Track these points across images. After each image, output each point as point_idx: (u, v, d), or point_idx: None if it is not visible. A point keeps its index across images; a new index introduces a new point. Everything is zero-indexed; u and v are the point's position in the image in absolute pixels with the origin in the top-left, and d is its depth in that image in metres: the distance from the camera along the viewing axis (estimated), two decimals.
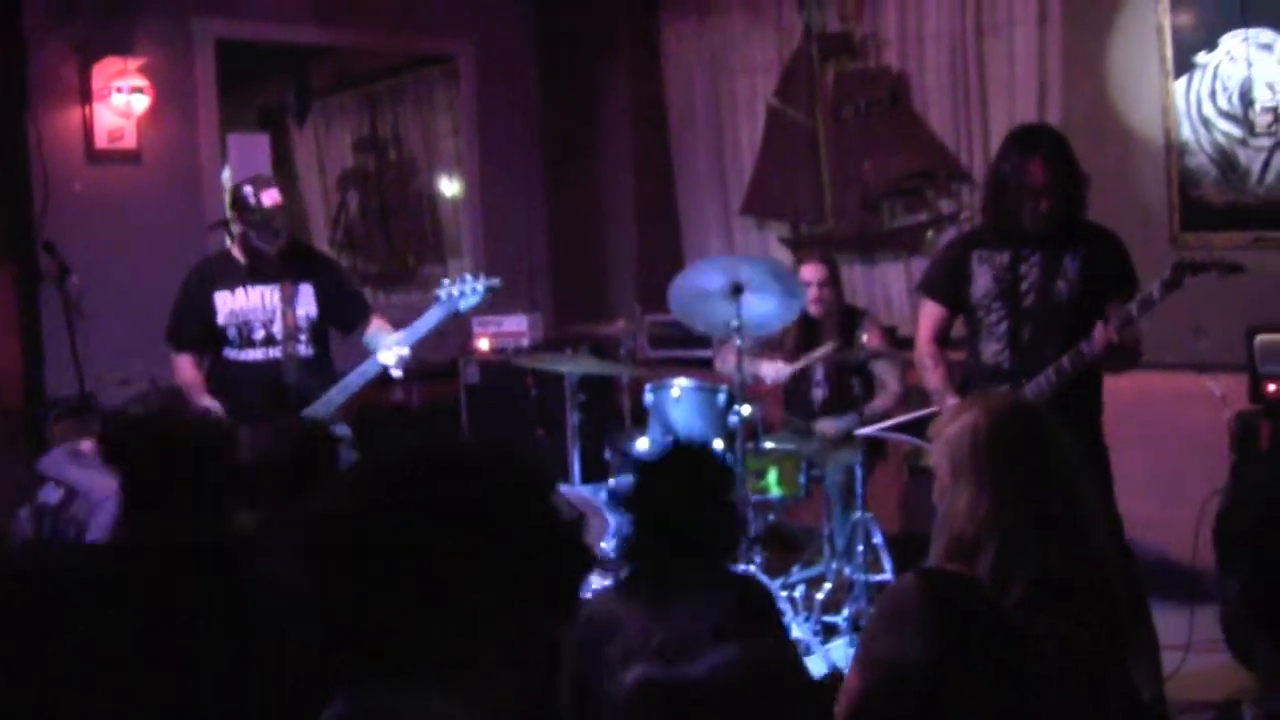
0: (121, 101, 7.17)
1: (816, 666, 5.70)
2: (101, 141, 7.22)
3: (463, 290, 5.63)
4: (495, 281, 5.70)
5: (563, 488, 6.42)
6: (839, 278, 6.73)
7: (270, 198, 5.61)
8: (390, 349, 5.59)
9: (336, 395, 5.61)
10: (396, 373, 5.65)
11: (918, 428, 5.17)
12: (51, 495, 5.37)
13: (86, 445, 4.87)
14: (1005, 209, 4.84)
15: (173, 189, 7.51)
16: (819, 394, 6.70)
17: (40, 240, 6.81)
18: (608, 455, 6.86)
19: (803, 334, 6.66)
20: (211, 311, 5.65)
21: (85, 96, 7.16)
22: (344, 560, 1.66)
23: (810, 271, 6.60)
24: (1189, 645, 5.23)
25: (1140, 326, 4.67)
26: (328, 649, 1.70)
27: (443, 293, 5.65)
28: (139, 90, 7.19)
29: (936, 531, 2.94)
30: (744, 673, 2.15)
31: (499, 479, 1.74)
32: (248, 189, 5.64)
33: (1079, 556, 2.86)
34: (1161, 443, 6.26)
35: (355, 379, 5.64)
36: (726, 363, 6.53)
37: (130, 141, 7.32)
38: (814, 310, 6.57)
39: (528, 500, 1.76)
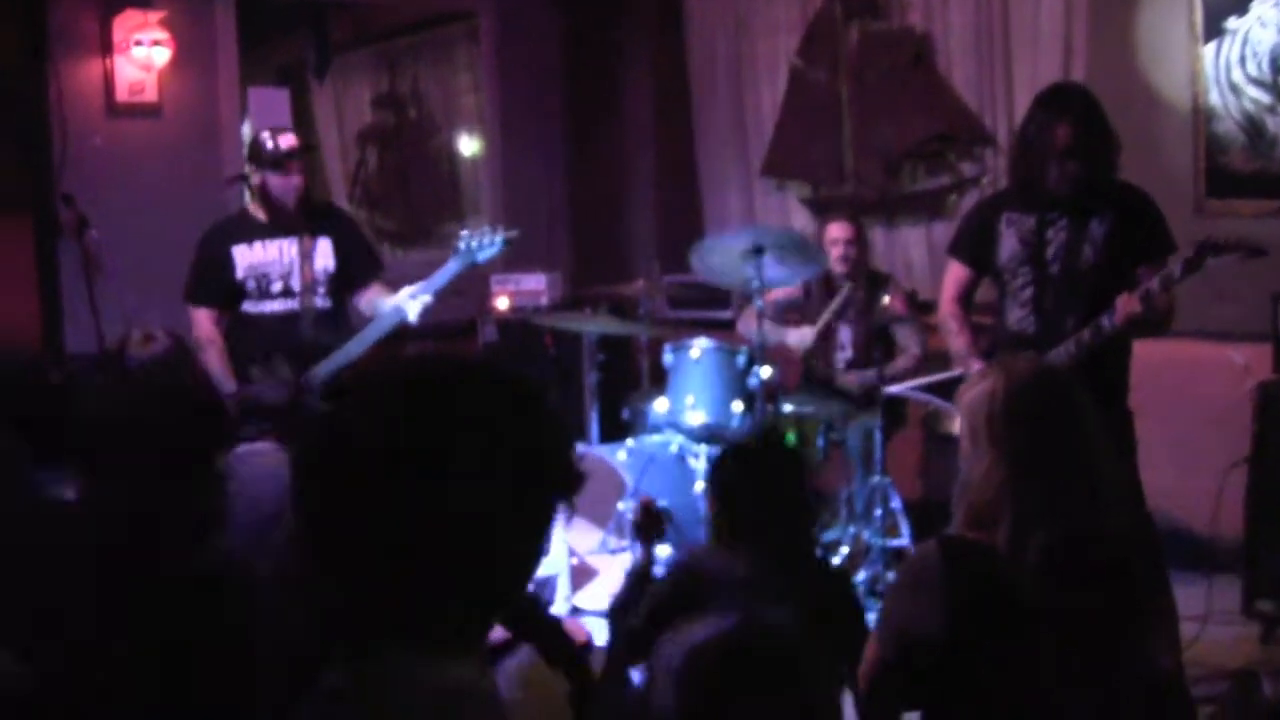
0: (142, 54, 7.15)
1: None
2: (122, 94, 7.20)
3: (481, 242, 5.61)
4: (513, 233, 5.67)
5: (580, 447, 6.44)
6: (866, 239, 6.73)
7: (286, 141, 5.62)
8: (416, 299, 5.58)
9: (354, 347, 5.59)
10: (415, 319, 5.62)
11: (941, 390, 5.16)
12: None
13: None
14: (1031, 171, 4.79)
15: (193, 142, 7.49)
16: (843, 356, 6.70)
17: (59, 193, 6.80)
18: (625, 415, 6.86)
19: (825, 295, 6.65)
20: (230, 265, 5.64)
21: (106, 49, 7.13)
22: (358, 491, 1.57)
23: (838, 229, 6.61)
24: (1207, 615, 5.23)
25: (1162, 303, 4.62)
26: (329, 608, 1.63)
27: (461, 244, 5.63)
28: (160, 43, 7.17)
29: (957, 498, 2.93)
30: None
31: (512, 389, 1.68)
32: (264, 134, 5.65)
33: (1095, 525, 2.85)
34: (1182, 412, 6.23)
35: (373, 331, 5.62)
36: (749, 326, 6.52)
37: (151, 95, 7.30)
38: (838, 268, 6.56)
39: (538, 411, 1.69)
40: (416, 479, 1.55)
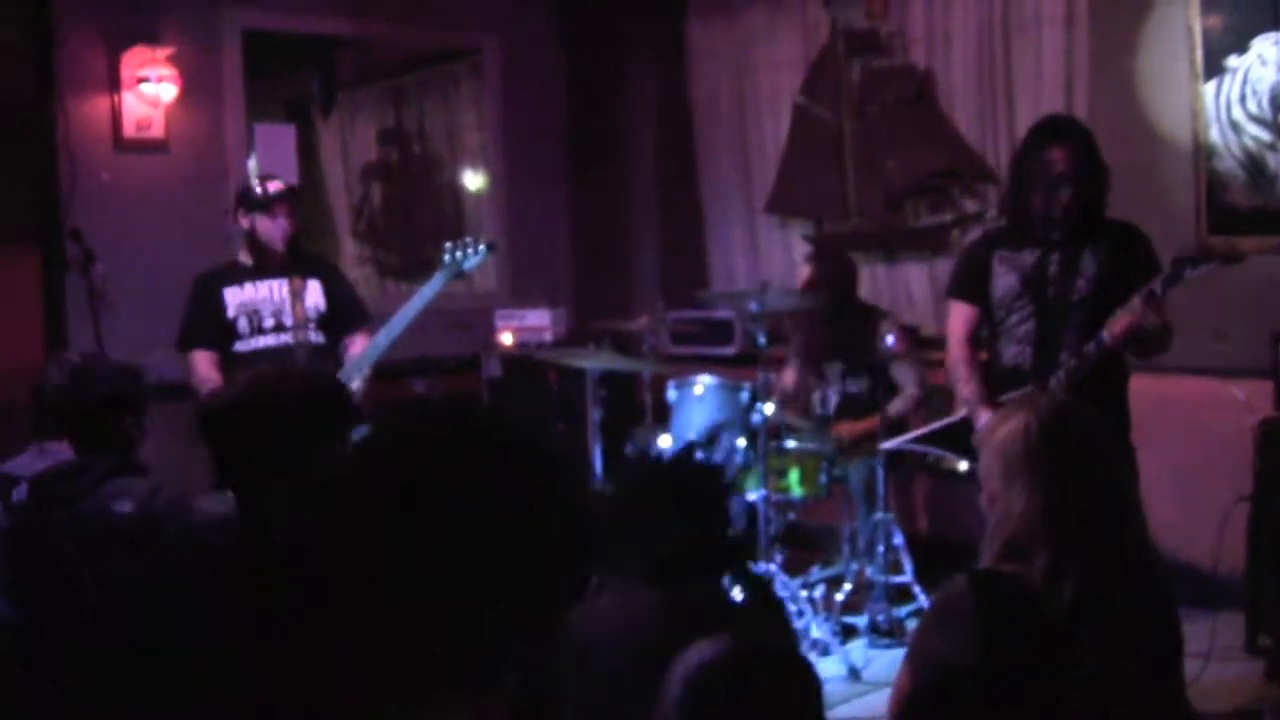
0: (150, 91, 7.21)
1: (835, 667, 5.70)
2: (129, 130, 7.25)
3: (465, 252, 5.74)
4: (493, 240, 5.85)
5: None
6: (838, 277, 6.74)
7: (274, 185, 5.76)
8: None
9: (367, 358, 5.67)
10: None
11: (943, 437, 5.17)
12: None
13: (53, 445, 4.74)
14: (1026, 200, 4.84)
15: (199, 178, 7.54)
16: (833, 397, 6.72)
17: (66, 228, 6.84)
18: (629, 451, 6.87)
19: (809, 334, 6.79)
20: (222, 305, 5.72)
21: (114, 85, 7.19)
22: (359, 547, 1.51)
23: (802, 274, 6.69)
24: (1210, 652, 5.22)
25: (1154, 319, 4.64)
26: (311, 657, 1.55)
27: (445, 256, 5.76)
28: (167, 80, 7.23)
29: (990, 535, 2.94)
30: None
31: (532, 457, 1.61)
32: (254, 181, 5.85)
33: (1131, 559, 2.88)
34: (1184, 448, 6.23)
35: (385, 338, 5.69)
36: (786, 384, 6.61)
37: (158, 131, 7.35)
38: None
39: (555, 477, 1.62)
40: (418, 536, 1.50)
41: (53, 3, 6.97)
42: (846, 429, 6.49)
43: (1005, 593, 2.81)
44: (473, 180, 9.45)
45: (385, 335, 5.71)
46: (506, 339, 8.22)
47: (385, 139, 9.71)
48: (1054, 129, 4.90)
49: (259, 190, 5.73)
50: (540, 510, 1.58)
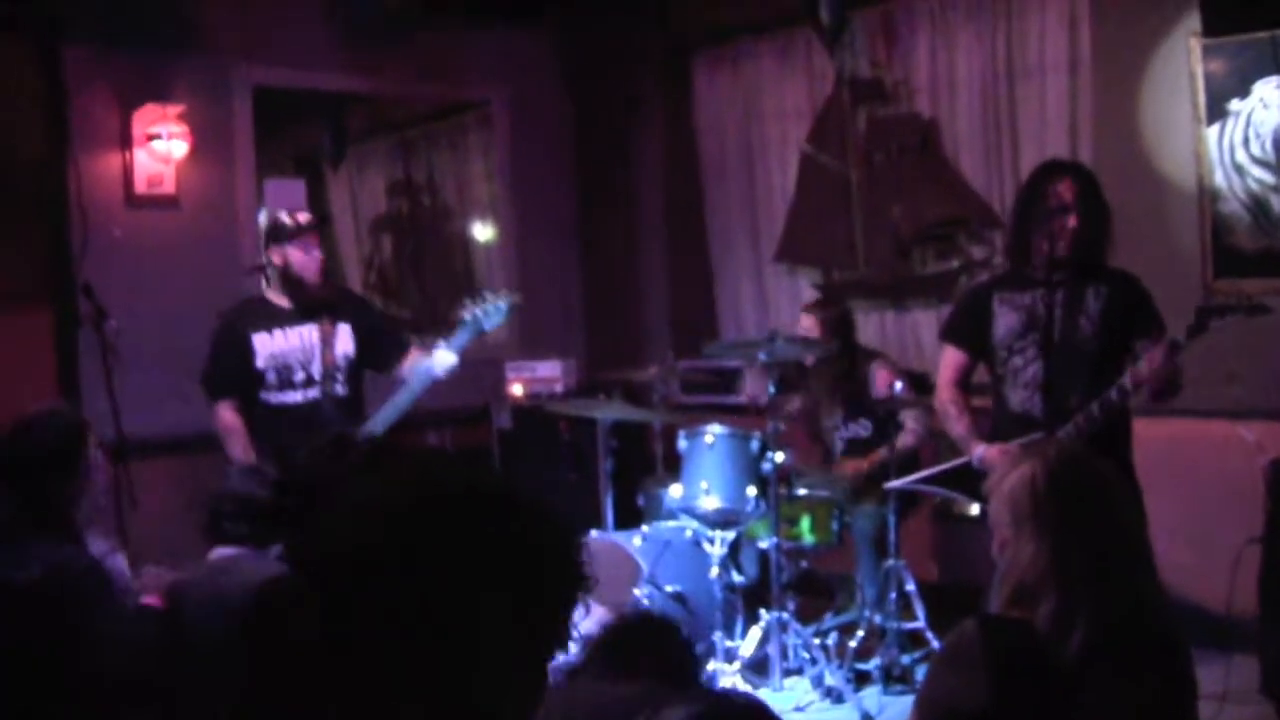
0: (161, 147, 7.25)
1: (849, 715, 5.70)
2: (141, 187, 7.29)
3: (486, 310, 5.71)
4: (516, 296, 5.79)
5: (594, 534, 6.45)
6: (839, 324, 6.78)
7: (304, 216, 5.75)
8: (441, 352, 5.67)
9: (389, 413, 5.65)
10: (442, 374, 5.68)
11: (952, 479, 5.19)
12: None
13: None
14: (1029, 238, 4.87)
15: (211, 234, 7.58)
16: (839, 443, 6.76)
17: (79, 284, 6.87)
18: (640, 501, 6.89)
19: (813, 381, 6.85)
20: (250, 354, 5.68)
21: (125, 142, 7.23)
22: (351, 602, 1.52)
23: (805, 322, 6.73)
24: (1225, 694, 5.21)
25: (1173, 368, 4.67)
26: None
27: (466, 315, 5.72)
28: (178, 136, 7.27)
29: (998, 581, 2.95)
30: None
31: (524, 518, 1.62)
32: (281, 214, 5.76)
33: (1139, 605, 2.88)
34: (1195, 490, 6.23)
35: (406, 396, 5.68)
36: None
37: (169, 187, 7.39)
38: (808, 360, 6.72)
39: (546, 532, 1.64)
40: (400, 592, 1.51)
41: (65, 61, 7.02)
42: (851, 466, 6.53)
43: (1013, 638, 2.82)
44: (482, 231, 9.49)
45: (406, 394, 5.69)
46: (517, 390, 8.24)
47: (395, 191, 9.76)
48: (1057, 164, 4.99)
49: (289, 221, 5.68)
50: (531, 572, 1.59)
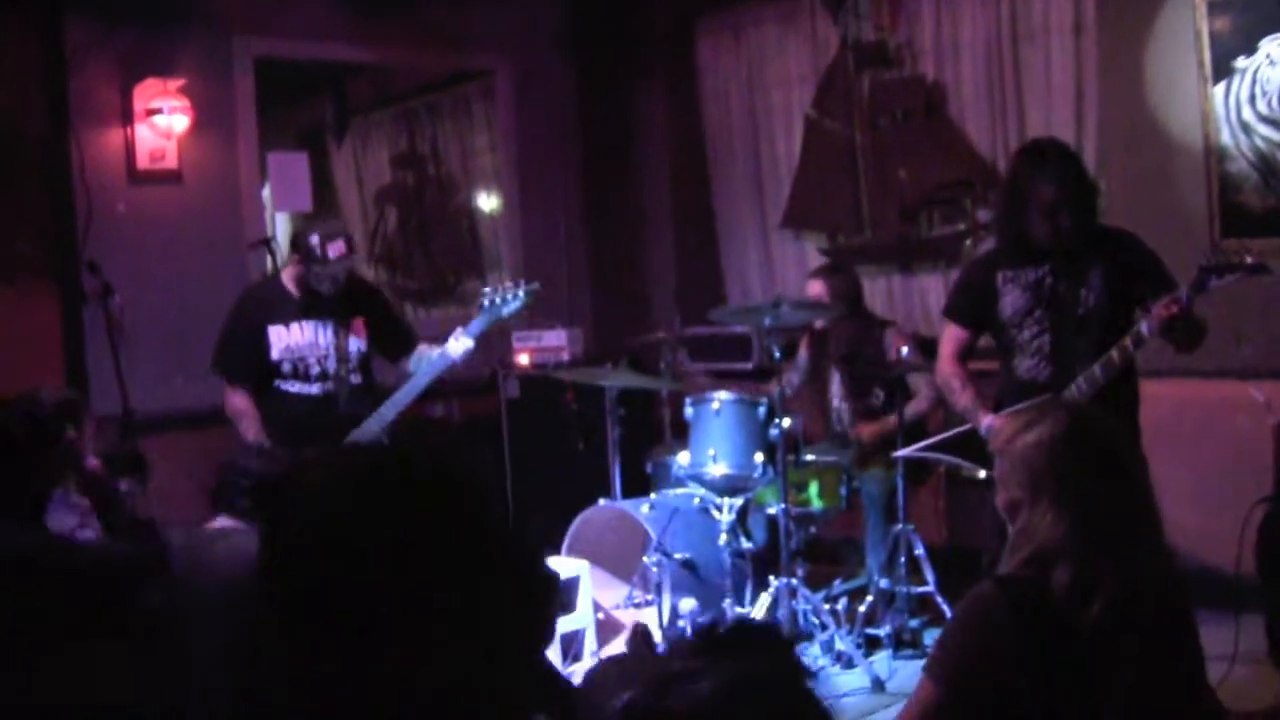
0: (163, 122, 7.23)
1: (859, 680, 5.70)
2: (143, 162, 7.27)
3: (505, 296, 5.71)
4: (536, 285, 5.78)
5: (603, 502, 6.46)
6: (849, 290, 6.76)
7: (336, 249, 5.59)
8: (458, 339, 5.67)
9: (403, 397, 5.66)
10: (459, 358, 5.69)
11: (959, 445, 5.20)
12: None
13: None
14: (1023, 223, 4.88)
15: (214, 208, 7.56)
16: (844, 409, 6.75)
17: (83, 260, 6.87)
18: (648, 469, 6.89)
19: (817, 346, 6.79)
20: (265, 346, 5.68)
21: (127, 117, 7.21)
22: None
23: (813, 287, 6.72)
24: (1234, 655, 5.20)
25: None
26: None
27: (485, 300, 5.74)
28: (179, 110, 7.24)
29: (1013, 546, 2.93)
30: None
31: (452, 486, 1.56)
32: (314, 239, 5.59)
33: (1155, 573, 2.88)
34: (1204, 451, 6.22)
35: (422, 379, 5.69)
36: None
37: (171, 161, 7.37)
38: (818, 324, 6.72)
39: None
40: (344, 592, 1.47)
41: (66, 35, 7.01)
42: (866, 431, 6.53)
43: (1035, 598, 2.81)
44: (487, 202, 9.48)
45: (422, 378, 5.69)
46: (524, 359, 8.23)
47: (399, 163, 9.76)
48: (1040, 158, 4.93)
49: (318, 251, 5.56)
50: (477, 555, 1.53)
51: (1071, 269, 4.86)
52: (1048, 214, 4.79)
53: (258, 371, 5.70)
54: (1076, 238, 4.82)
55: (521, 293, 5.74)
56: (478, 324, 5.73)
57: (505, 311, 5.76)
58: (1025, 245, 4.92)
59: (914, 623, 6.07)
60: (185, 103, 7.26)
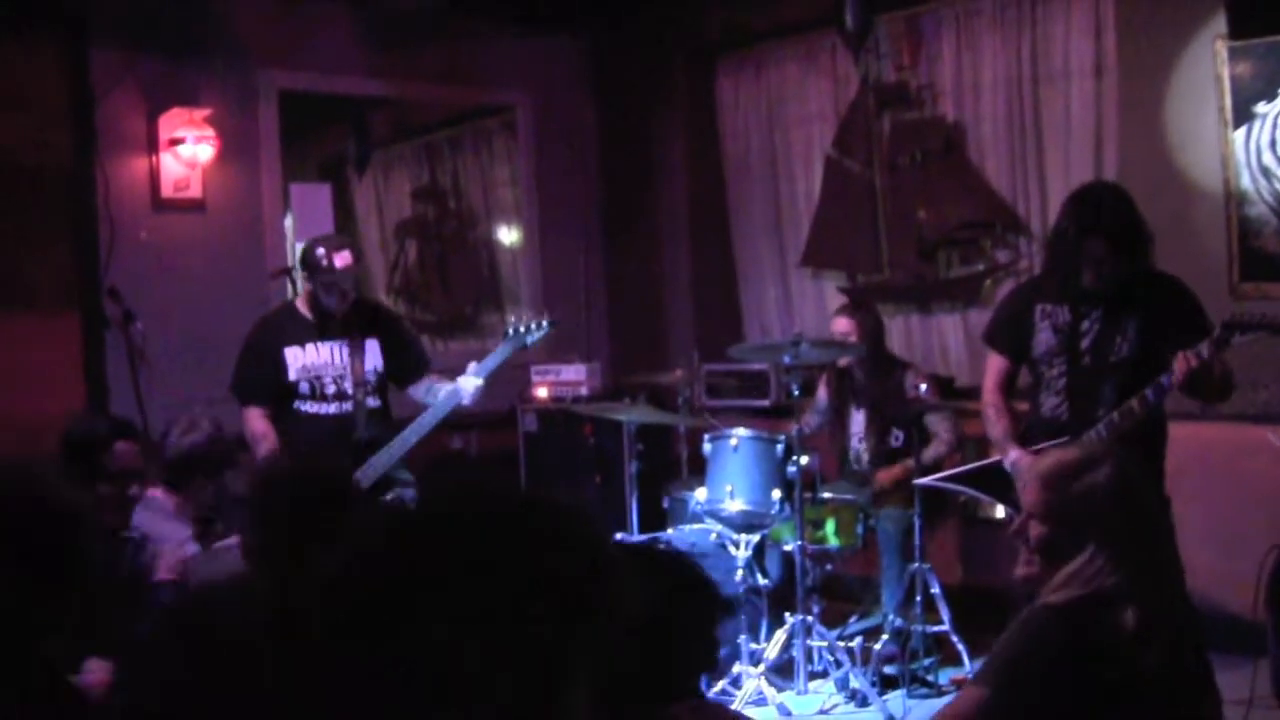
0: (187, 151, 7.28)
1: (873, 718, 5.69)
2: (167, 190, 7.33)
3: (528, 326, 5.76)
4: (557, 319, 5.82)
5: (620, 536, 6.46)
6: (874, 328, 6.77)
7: (342, 259, 5.63)
8: (469, 377, 5.68)
9: (411, 435, 5.66)
10: (469, 401, 5.70)
11: (975, 479, 5.19)
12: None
13: (152, 492, 4.95)
14: (1066, 270, 4.86)
15: (236, 237, 7.61)
16: (862, 449, 6.75)
17: (106, 287, 6.91)
18: (665, 504, 6.89)
19: (839, 384, 6.79)
20: (282, 366, 5.70)
21: (152, 146, 7.27)
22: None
23: (840, 325, 6.72)
24: (1251, 699, 5.18)
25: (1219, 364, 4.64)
26: None
27: (509, 329, 5.80)
28: (205, 140, 7.30)
29: (1058, 584, 2.94)
30: None
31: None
32: (320, 250, 5.64)
33: (1187, 611, 2.93)
34: (1222, 494, 6.21)
35: (431, 417, 5.70)
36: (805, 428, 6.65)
37: (195, 190, 7.42)
38: (843, 362, 6.71)
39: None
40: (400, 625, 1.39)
41: (92, 65, 7.07)
42: (885, 476, 6.53)
43: (1095, 631, 2.83)
44: (507, 236, 9.52)
45: (431, 416, 5.69)
46: (542, 393, 8.25)
47: (420, 196, 9.80)
48: (1092, 211, 4.81)
49: (325, 263, 5.61)
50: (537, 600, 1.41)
51: (1110, 314, 4.85)
52: (1096, 266, 4.77)
53: (275, 393, 5.72)
54: (1123, 283, 4.81)
55: (545, 324, 5.78)
56: (493, 359, 5.75)
57: (528, 341, 5.80)
58: (1068, 283, 4.90)
59: (929, 661, 6.06)
60: (210, 133, 7.31)
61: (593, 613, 1.44)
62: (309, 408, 5.71)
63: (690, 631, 2.43)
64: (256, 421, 5.71)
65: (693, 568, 2.55)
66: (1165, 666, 2.79)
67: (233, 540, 4.01)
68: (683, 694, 2.41)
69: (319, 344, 5.72)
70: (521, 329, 5.76)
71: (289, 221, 8.04)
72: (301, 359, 5.71)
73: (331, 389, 5.71)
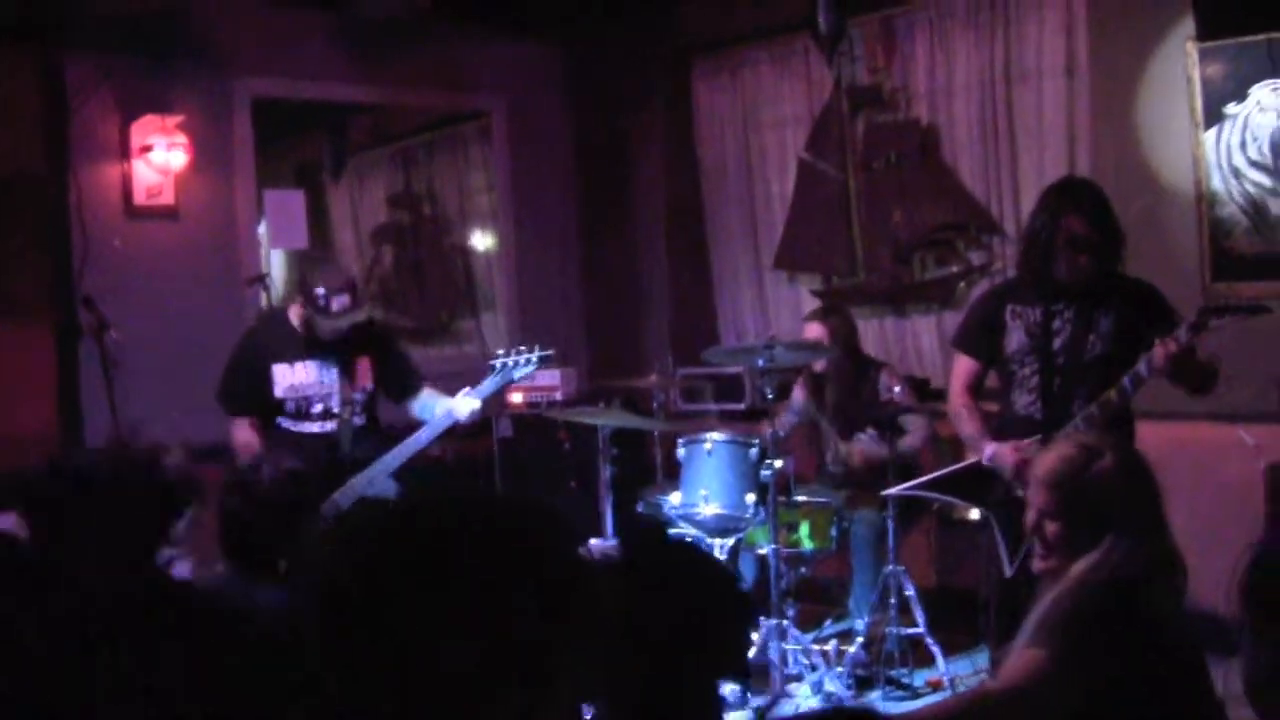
0: (160, 158, 7.26)
1: None
2: (140, 198, 7.30)
3: (517, 361, 5.74)
4: (549, 352, 5.80)
5: (594, 541, 6.45)
6: (847, 332, 6.78)
7: (340, 304, 5.52)
8: (465, 398, 5.69)
9: (405, 450, 5.65)
10: (465, 419, 5.71)
11: (950, 484, 5.20)
12: None
13: None
14: (1039, 261, 4.86)
15: (210, 245, 7.59)
16: (840, 449, 6.76)
17: (79, 296, 6.88)
18: (640, 509, 6.88)
19: (813, 388, 6.79)
20: (269, 383, 5.64)
21: (125, 153, 7.25)
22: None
23: (811, 330, 6.73)
24: (1223, 698, 5.19)
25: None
26: None
27: (498, 363, 5.77)
28: (177, 147, 7.28)
29: (1088, 570, 2.99)
30: None
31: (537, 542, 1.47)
32: (320, 290, 5.51)
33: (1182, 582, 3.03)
34: (1195, 494, 6.19)
35: (425, 434, 5.68)
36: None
37: (168, 198, 7.40)
38: (818, 367, 6.73)
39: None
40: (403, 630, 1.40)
41: (66, 72, 7.04)
42: (859, 452, 6.54)
43: (1144, 607, 2.96)
44: (483, 241, 9.51)
45: (426, 433, 5.67)
46: (517, 398, 8.24)
47: (395, 202, 9.78)
48: (1072, 196, 4.89)
49: (323, 302, 5.50)
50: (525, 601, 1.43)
51: (1082, 312, 4.86)
52: (1073, 249, 4.77)
53: (261, 408, 5.69)
54: (1095, 280, 4.82)
55: (534, 357, 5.76)
56: (488, 385, 5.74)
57: (516, 375, 5.79)
58: (1042, 281, 4.91)
59: (904, 664, 6.05)
60: (183, 139, 7.30)
61: (572, 615, 1.46)
62: (293, 425, 5.67)
63: (722, 631, 2.41)
64: (242, 431, 5.66)
65: (725, 567, 2.57)
66: (1196, 641, 2.86)
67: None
68: (709, 694, 2.35)
69: (307, 363, 5.65)
70: (509, 363, 5.75)
71: (263, 227, 8.02)
72: (290, 378, 5.64)
73: (318, 408, 5.66)
